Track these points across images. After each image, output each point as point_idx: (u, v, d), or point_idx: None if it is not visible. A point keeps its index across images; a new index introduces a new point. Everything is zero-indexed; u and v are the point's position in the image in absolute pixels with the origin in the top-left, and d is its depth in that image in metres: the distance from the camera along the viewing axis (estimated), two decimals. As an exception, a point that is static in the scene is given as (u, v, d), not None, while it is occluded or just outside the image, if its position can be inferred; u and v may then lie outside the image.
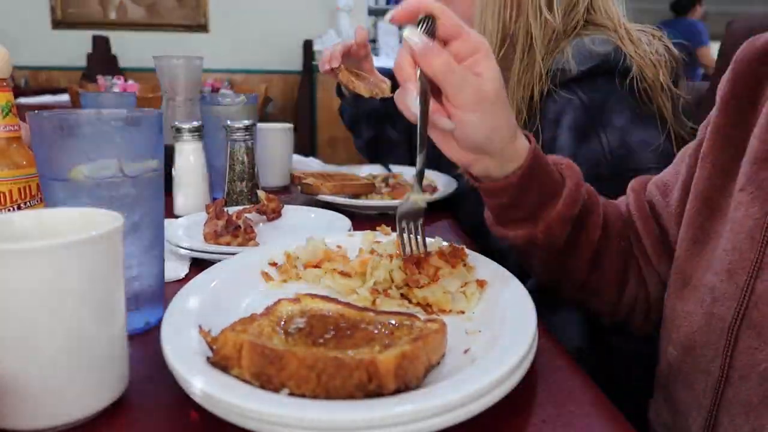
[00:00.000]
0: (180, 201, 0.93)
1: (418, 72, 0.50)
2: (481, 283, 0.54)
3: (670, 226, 0.63)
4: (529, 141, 0.58)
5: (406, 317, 0.45)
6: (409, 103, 0.50)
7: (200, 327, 0.42)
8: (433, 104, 0.51)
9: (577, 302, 0.71)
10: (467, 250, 0.59)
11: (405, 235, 0.56)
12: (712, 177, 0.55)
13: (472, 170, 0.58)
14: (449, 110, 0.51)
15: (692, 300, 0.55)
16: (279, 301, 0.47)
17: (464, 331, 0.48)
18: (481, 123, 0.51)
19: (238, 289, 0.54)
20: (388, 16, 0.51)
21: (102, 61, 4.45)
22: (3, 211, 0.61)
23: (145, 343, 0.50)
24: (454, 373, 0.40)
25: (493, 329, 0.47)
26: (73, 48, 4.52)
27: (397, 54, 0.51)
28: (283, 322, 0.44)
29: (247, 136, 0.91)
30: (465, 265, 0.56)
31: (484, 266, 0.58)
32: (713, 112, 0.58)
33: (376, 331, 0.43)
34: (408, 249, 0.56)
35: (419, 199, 0.56)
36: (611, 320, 0.70)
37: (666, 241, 0.64)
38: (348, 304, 0.48)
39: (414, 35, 0.49)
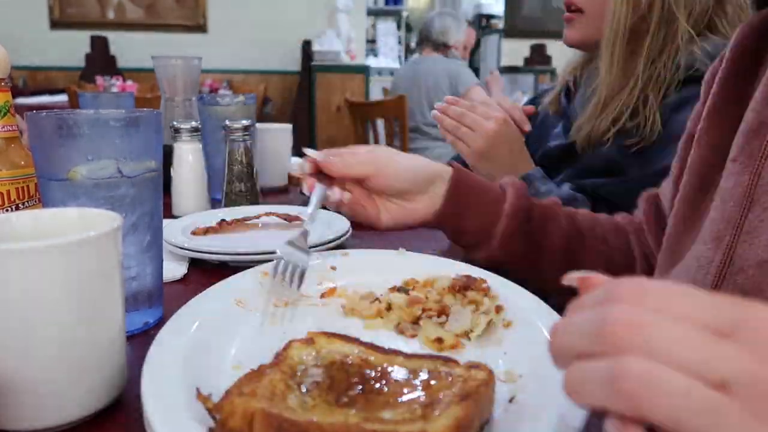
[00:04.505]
0: (178, 201, 0.92)
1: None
2: (498, 309, 0.49)
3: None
4: (451, 165, 0.65)
5: (442, 362, 0.38)
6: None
7: (198, 391, 0.34)
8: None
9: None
10: (489, 279, 0.54)
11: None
12: (706, 156, 0.56)
13: (423, 218, 0.65)
14: (374, 193, 0.63)
15: (679, 275, 0.55)
16: (290, 343, 0.40)
17: (503, 372, 0.41)
18: (399, 167, 0.63)
19: (226, 327, 0.46)
20: None
21: (100, 61, 4.45)
22: (1, 211, 0.61)
23: (143, 343, 0.50)
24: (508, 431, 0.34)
25: (535, 370, 0.39)
26: (71, 48, 4.52)
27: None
28: (298, 374, 0.37)
29: (245, 137, 0.91)
30: (486, 295, 0.51)
31: (509, 293, 0.52)
32: (702, 102, 0.60)
33: (410, 384, 0.36)
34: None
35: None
36: None
37: None
38: (371, 346, 0.41)
39: (310, 152, 0.61)
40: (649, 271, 0.68)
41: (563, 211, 0.69)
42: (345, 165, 0.61)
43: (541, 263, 0.66)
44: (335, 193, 0.61)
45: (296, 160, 1.31)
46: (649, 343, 0.23)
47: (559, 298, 0.67)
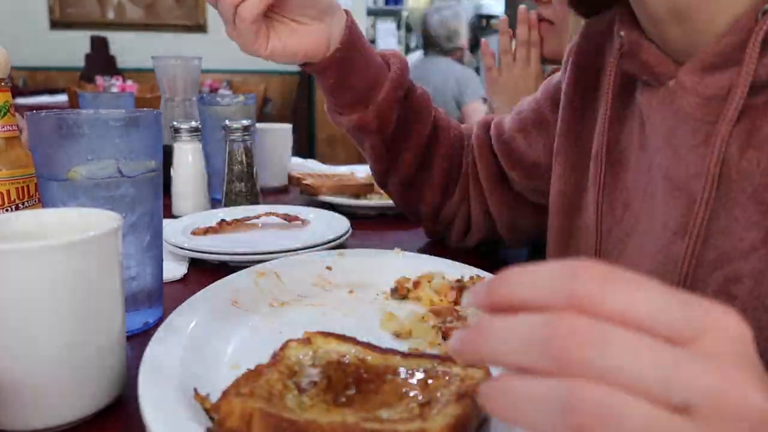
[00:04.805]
0: (178, 201, 0.92)
1: None
2: None
3: (506, 165, 0.69)
4: (347, 13, 0.64)
5: (439, 361, 0.38)
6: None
7: (196, 391, 0.34)
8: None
9: (404, 206, 0.78)
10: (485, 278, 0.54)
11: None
12: (565, 175, 0.58)
13: (313, 47, 0.61)
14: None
15: None
16: (287, 343, 0.40)
17: (499, 371, 0.42)
18: None
19: (223, 327, 0.47)
20: None
21: (100, 61, 4.45)
22: (1, 211, 0.61)
23: (143, 343, 0.50)
24: (505, 428, 0.34)
25: None
26: (71, 48, 4.52)
27: None
28: (295, 374, 0.37)
29: (245, 137, 0.91)
30: None
31: None
32: (558, 78, 0.62)
33: (407, 384, 0.36)
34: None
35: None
36: (432, 230, 0.78)
37: (500, 175, 0.71)
38: (368, 345, 0.41)
39: None
40: (464, 189, 0.74)
41: (432, 104, 0.72)
42: None
43: (399, 148, 0.69)
44: None
45: (296, 160, 1.31)
46: (606, 362, 0.21)
47: (400, 190, 0.73)
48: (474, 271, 0.56)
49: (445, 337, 0.47)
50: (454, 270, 0.57)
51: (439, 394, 0.34)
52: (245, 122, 0.90)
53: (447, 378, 0.36)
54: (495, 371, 0.39)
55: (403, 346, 0.44)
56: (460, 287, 0.53)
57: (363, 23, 5.06)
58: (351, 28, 0.63)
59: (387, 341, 0.45)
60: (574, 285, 0.22)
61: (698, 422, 0.20)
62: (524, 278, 0.23)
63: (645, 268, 0.46)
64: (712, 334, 0.22)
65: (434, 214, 0.76)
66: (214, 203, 0.97)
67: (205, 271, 0.68)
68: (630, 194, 0.50)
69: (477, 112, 2.68)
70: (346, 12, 0.65)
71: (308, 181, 0.99)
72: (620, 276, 0.22)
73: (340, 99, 0.67)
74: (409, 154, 0.70)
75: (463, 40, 2.84)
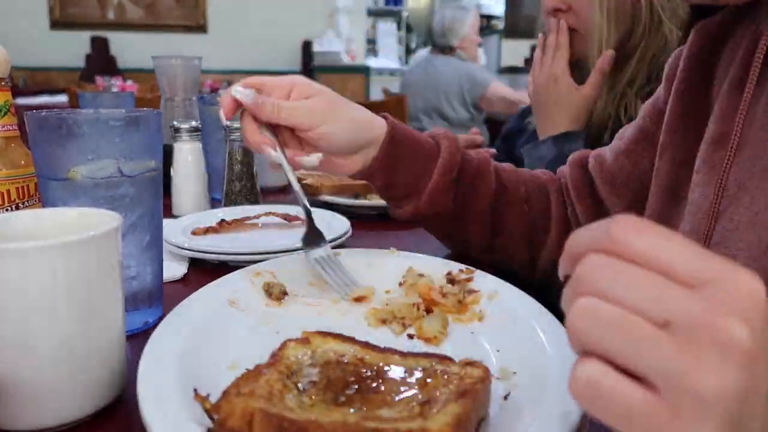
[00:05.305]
0: (178, 201, 0.92)
1: (266, 133, 0.56)
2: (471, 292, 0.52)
3: (611, 192, 0.67)
4: (386, 120, 0.64)
5: (438, 360, 0.38)
6: (275, 159, 0.56)
7: (196, 391, 0.34)
8: (288, 152, 0.57)
9: (493, 263, 0.76)
10: (482, 277, 0.55)
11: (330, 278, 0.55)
12: (673, 170, 0.57)
13: (351, 172, 0.63)
14: (304, 141, 0.58)
15: None
16: (285, 343, 0.40)
17: (497, 369, 0.41)
18: (335, 129, 0.57)
19: (220, 327, 0.46)
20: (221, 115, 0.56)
21: (100, 61, 4.45)
22: (1, 210, 0.61)
23: (143, 342, 0.50)
24: (505, 428, 0.34)
25: (529, 367, 0.40)
26: (71, 48, 4.52)
27: (242, 127, 0.57)
28: (294, 374, 0.37)
29: (245, 137, 0.91)
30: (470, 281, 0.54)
31: (501, 291, 0.52)
32: (660, 93, 0.61)
33: (406, 383, 0.36)
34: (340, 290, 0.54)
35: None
36: (534, 277, 0.75)
37: (602, 212, 0.68)
38: (367, 344, 0.41)
39: (238, 93, 0.55)
40: (565, 234, 0.70)
41: (492, 169, 0.70)
42: (277, 114, 0.56)
43: (465, 222, 0.68)
44: (310, 159, 0.58)
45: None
46: (602, 284, 0.24)
47: (482, 255, 0.71)
48: (463, 266, 0.57)
49: (428, 311, 0.49)
50: (445, 267, 0.57)
51: (438, 393, 0.34)
52: (245, 122, 0.90)
53: (446, 377, 0.36)
54: (493, 370, 0.39)
55: (402, 346, 0.44)
56: (450, 279, 0.55)
57: (363, 23, 5.07)
58: (392, 131, 0.62)
59: (385, 340, 0.46)
60: (610, 233, 0.25)
61: (671, 333, 0.22)
62: (582, 232, 0.27)
63: (755, 245, 0.45)
64: (720, 284, 0.23)
65: (531, 266, 0.73)
66: (214, 203, 0.97)
67: (205, 271, 0.68)
68: (745, 174, 0.48)
69: (501, 89, 2.69)
70: (385, 117, 0.64)
71: (308, 181, 0.99)
72: (651, 227, 0.25)
73: (392, 195, 0.67)
74: (477, 227, 0.68)
75: (460, 41, 2.84)
